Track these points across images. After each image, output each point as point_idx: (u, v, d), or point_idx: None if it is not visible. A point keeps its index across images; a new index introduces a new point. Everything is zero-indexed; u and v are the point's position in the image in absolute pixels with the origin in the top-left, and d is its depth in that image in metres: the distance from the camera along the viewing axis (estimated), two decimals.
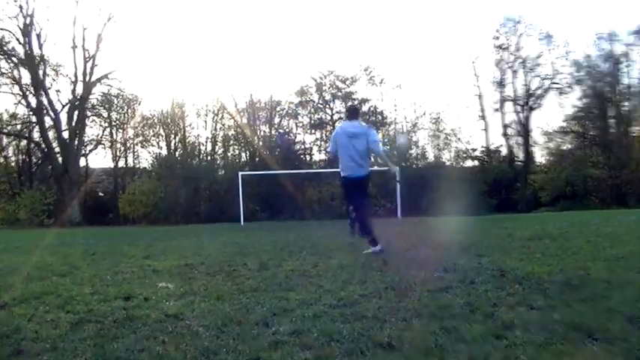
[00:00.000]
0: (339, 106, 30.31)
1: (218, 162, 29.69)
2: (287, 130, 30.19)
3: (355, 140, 5.81)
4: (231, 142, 29.70)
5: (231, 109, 30.02)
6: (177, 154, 28.91)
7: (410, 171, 25.43)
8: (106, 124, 30.12)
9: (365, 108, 29.83)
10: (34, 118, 27.11)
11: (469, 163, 30.10)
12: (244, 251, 6.72)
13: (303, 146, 30.48)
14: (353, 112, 6.24)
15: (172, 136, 29.39)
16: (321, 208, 24.57)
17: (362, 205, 6.11)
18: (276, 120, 30.62)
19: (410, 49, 42.66)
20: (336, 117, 29.95)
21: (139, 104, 30.11)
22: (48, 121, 26.74)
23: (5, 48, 25.70)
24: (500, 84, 30.30)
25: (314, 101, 30.66)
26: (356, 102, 29.89)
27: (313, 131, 30.49)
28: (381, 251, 5.55)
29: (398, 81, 29.97)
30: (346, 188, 6.03)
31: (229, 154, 29.90)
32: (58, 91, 30.91)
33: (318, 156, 30.13)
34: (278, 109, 30.60)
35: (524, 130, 29.56)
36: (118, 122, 30.41)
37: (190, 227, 17.71)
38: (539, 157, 31.15)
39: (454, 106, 47.01)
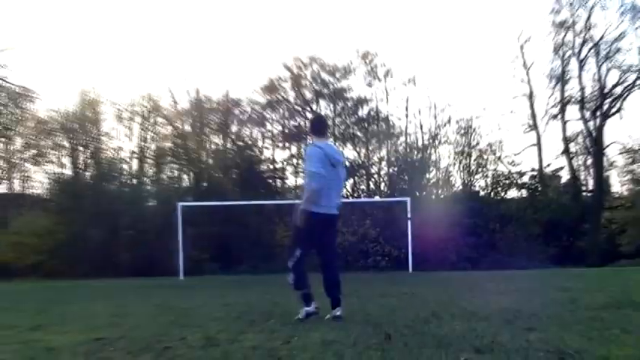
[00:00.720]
0: (325, 108, 30.90)
1: (148, 188, 29.70)
2: (249, 142, 30.14)
3: (339, 169, 6.45)
4: (168, 158, 29.83)
5: (169, 110, 30.40)
6: (87, 175, 28.85)
7: (427, 204, 25.66)
8: None
9: (363, 111, 30.61)
10: None
11: (514, 194, 30.40)
12: (184, 319, 6.70)
13: (272, 166, 30.69)
14: (323, 126, 6.76)
15: (81, 149, 29.30)
16: None
17: (334, 255, 6.69)
18: (234, 127, 31.08)
19: (428, 28, 43.07)
20: None
21: (32, 102, 30.00)
22: None
23: None
24: (561, 79, 30.76)
25: (289, 101, 31.09)
26: (350, 103, 30.78)
27: (287, 144, 30.93)
28: (315, 312, 6.25)
29: (411, 73, 30.19)
30: (316, 228, 6.34)
31: (165, 177, 30.00)
32: None
33: (293, 180, 30.57)
34: (237, 111, 30.99)
35: (596, 147, 29.88)
36: None
37: (106, 284, 17.51)
38: (618, 185, 31.47)
39: (492, 111, 47.54)
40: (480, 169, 30.02)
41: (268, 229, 25.65)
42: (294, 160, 31.00)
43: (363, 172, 30.82)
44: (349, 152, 30.86)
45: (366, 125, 31.01)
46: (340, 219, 6.88)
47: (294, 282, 6.34)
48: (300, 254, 6.36)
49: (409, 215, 20.62)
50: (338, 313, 6.22)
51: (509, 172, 30.13)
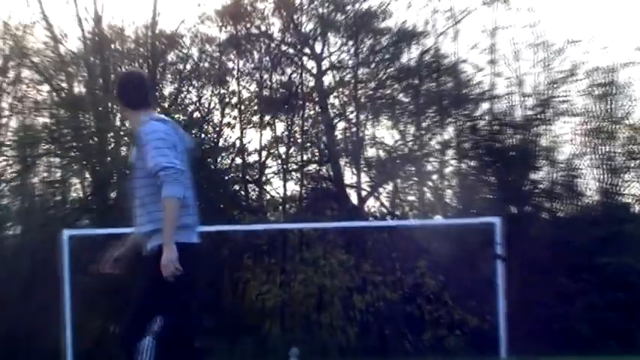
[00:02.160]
0: (337, 51, 28.91)
1: (5, 202, 28.22)
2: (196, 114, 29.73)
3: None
4: (44, 145, 28.11)
5: (46, 54, 27.98)
6: None
7: (533, 229, 24.32)
8: None
9: (410, 56, 28.54)
10: None
11: None
12: None
13: (241, 158, 29.07)
14: (143, 90, 6.40)
15: None
16: (287, 327, 23.43)
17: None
18: (168, 88, 29.27)
19: None
20: (327, 79, 28.95)
21: None
22: None
23: None
24: None
25: (271, 38, 29.34)
26: (385, 40, 28.30)
27: (270, 120, 29.07)
28: None
29: None
30: (192, 275, 6.12)
31: (37, 180, 28.31)
32: None
33: (279, 185, 28.72)
34: (172, 56, 29.32)
35: None
36: None
37: None
38: None
39: None
40: (632, 164, 27.21)
41: (235, 277, 24.32)
42: (283, 149, 28.77)
43: (412, 170, 28.31)
44: (385, 133, 28.84)
45: (417, 82, 28.34)
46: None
47: None
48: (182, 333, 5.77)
49: (500, 250, 18.88)
50: None
51: None
